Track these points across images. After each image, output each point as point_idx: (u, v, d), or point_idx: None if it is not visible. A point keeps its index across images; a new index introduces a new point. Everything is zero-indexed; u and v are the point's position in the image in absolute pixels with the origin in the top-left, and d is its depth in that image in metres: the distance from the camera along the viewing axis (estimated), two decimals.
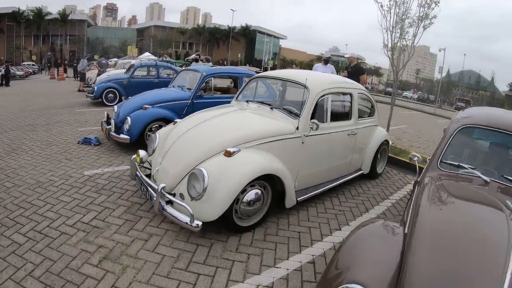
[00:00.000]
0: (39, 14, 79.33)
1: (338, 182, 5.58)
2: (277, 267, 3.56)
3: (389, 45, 9.29)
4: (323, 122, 4.94)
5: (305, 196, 4.79)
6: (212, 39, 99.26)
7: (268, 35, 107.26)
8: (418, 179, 3.48)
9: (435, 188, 3.02)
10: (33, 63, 57.89)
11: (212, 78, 8.38)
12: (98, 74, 19.28)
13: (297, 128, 4.53)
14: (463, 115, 3.89)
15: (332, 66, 10.42)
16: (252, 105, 5.31)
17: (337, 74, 10.05)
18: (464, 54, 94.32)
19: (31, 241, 3.65)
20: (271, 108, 5.04)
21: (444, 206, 2.82)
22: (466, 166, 3.30)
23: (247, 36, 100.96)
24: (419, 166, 3.74)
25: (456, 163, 3.37)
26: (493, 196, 2.81)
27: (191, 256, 3.60)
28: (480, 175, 3.13)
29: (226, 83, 10.07)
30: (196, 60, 13.06)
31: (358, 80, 8.83)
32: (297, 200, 4.60)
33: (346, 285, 1.97)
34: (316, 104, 4.80)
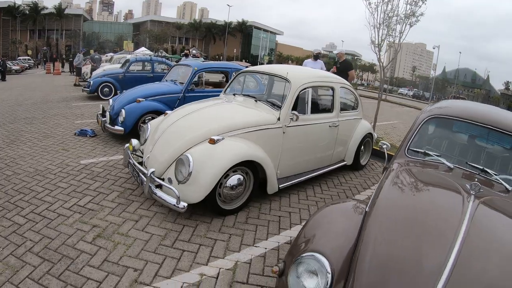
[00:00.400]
0: (35, 8, 79.23)
1: (320, 172, 5.86)
2: (256, 246, 3.87)
3: (376, 42, 9.58)
4: (304, 114, 5.23)
5: (287, 184, 5.08)
6: (208, 35, 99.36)
7: (265, 30, 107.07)
8: (387, 166, 3.76)
9: (399, 173, 3.24)
10: (29, 57, 57.83)
11: (203, 72, 8.72)
12: (92, 69, 19.49)
13: (279, 119, 4.82)
14: (433, 107, 4.13)
15: (322, 61, 10.64)
16: (238, 98, 5.60)
17: (327, 69, 10.30)
18: (460, 52, 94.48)
19: (30, 222, 3.94)
20: (256, 101, 5.32)
21: (404, 189, 3.03)
22: (432, 153, 3.50)
23: (244, 32, 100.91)
24: (388, 154, 4.04)
25: (423, 151, 3.58)
26: (455, 181, 2.97)
27: (177, 235, 3.91)
28: (445, 162, 3.33)
29: (218, 78, 10.35)
30: (186, 55, 13.37)
31: (347, 76, 9.14)
32: (279, 187, 4.89)
33: (307, 253, 2.24)
34: (298, 97, 5.08)
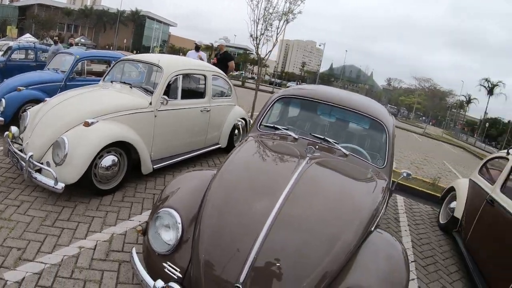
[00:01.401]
0: None
1: (195, 154, 6.42)
2: (131, 220, 4.37)
3: (254, 35, 10.44)
4: (175, 99, 5.75)
5: (161, 165, 5.57)
6: (99, 23, 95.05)
7: (158, 21, 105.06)
8: (242, 140, 4.35)
9: (248, 143, 3.85)
10: None
11: (85, 61, 8.83)
12: None
13: (150, 103, 5.28)
14: (286, 89, 4.88)
15: (203, 53, 11.33)
16: (115, 85, 5.89)
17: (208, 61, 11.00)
18: (346, 50, 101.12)
19: None
20: (131, 87, 5.66)
21: (248, 155, 3.62)
22: (280, 127, 4.12)
23: (136, 22, 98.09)
24: (243, 130, 4.67)
25: (272, 125, 4.19)
26: (296, 148, 3.62)
27: (57, 216, 4.23)
28: (291, 134, 3.95)
29: (101, 67, 10.43)
30: (56, 42, 13.30)
31: (226, 67, 9.87)
32: (153, 168, 5.37)
33: (162, 209, 2.71)
34: (169, 83, 5.59)
